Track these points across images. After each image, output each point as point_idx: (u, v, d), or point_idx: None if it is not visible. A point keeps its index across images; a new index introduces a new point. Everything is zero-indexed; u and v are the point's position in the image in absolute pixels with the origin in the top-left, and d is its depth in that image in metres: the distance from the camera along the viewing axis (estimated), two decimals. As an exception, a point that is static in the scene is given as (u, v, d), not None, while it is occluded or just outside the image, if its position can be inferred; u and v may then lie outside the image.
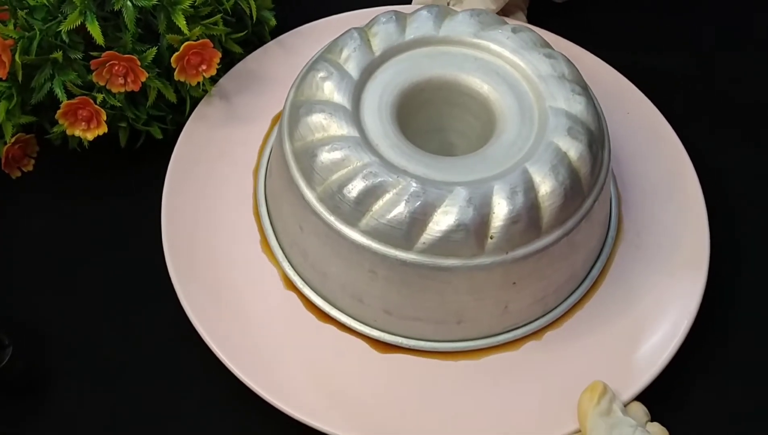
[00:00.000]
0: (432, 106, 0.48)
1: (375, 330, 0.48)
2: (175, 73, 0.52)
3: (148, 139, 0.55)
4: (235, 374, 0.46)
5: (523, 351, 0.49)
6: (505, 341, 0.48)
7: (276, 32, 0.59)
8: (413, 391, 0.47)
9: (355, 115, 0.47)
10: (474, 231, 0.44)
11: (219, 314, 0.48)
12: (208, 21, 0.53)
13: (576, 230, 0.46)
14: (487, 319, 0.48)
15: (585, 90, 0.48)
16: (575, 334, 0.49)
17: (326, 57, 0.49)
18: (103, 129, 0.51)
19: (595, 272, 0.51)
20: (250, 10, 0.56)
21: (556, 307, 0.49)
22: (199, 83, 0.53)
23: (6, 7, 0.50)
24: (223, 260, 0.50)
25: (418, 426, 0.46)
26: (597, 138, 0.47)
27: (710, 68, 0.64)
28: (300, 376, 0.47)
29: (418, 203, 0.44)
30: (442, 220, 0.44)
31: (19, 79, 0.50)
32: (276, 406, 0.46)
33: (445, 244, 0.44)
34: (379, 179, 0.44)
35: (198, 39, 0.52)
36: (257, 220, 0.52)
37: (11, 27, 0.50)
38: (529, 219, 0.44)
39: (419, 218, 0.44)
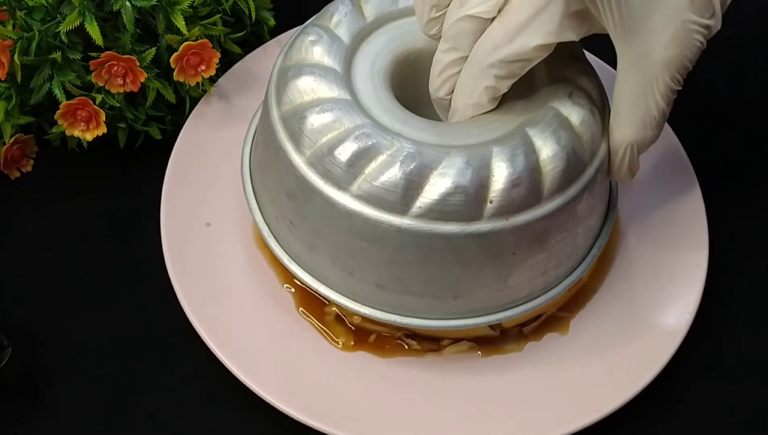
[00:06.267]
0: (426, 76, 0.47)
1: (366, 307, 0.46)
2: (174, 73, 0.52)
3: (147, 139, 0.55)
4: (235, 374, 0.46)
5: (523, 352, 0.49)
6: (505, 319, 0.47)
7: (275, 32, 0.59)
8: (411, 392, 0.47)
9: (346, 79, 0.45)
10: (473, 194, 0.42)
11: (219, 313, 0.48)
12: (207, 21, 0.53)
13: (578, 199, 0.44)
14: (485, 294, 0.45)
15: (583, 56, 0.47)
16: (575, 335, 0.49)
17: (316, 23, 0.48)
18: (102, 129, 0.51)
19: (595, 250, 0.49)
20: (249, 11, 0.56)
21: (557, 285, 0.48)
22: (198, 83, 0.53)
23: (5, 7, 0.50)
24: (223, 259, 0.50)
25: (417, 427, 0.46)
26: (598, 105, 0.46)
27: (708, 66, 0.64)
28: (300, 375, 0.47)
29: (414, 164, 0.42)
30: (439, 182, 0.42)
31: (18, 79, 0.50)
32: (276, 406, 0.45)
33: (442, 207, 0.42)
34: (372, 141, 0.42)
35: (197, 39, 0.52)
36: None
37: (10, 27, 0.50)
38: (530, 182, 0.42)
39: (415, 180, 0.42)
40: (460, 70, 0.44)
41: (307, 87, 0.45)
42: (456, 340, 0.49)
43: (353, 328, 0.49)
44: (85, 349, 0.50)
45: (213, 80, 0.55)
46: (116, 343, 0.50)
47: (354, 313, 0.47)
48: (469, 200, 0.42)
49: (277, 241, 0.48)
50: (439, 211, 0.42)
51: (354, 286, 0.46)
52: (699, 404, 0.50)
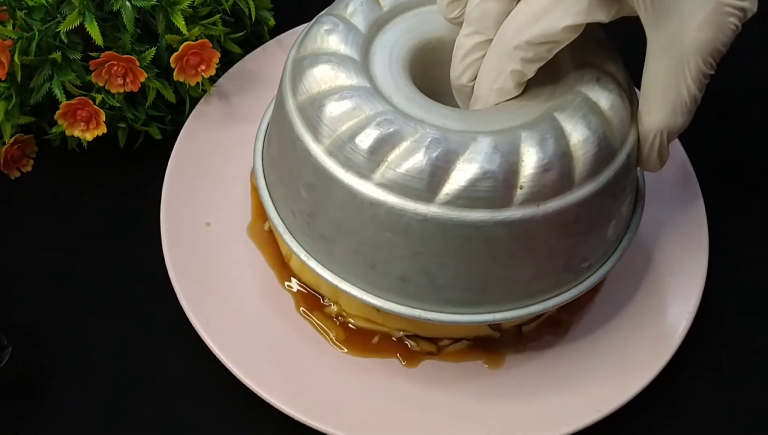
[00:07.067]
0: (445, 65, 0.46)
1: (389, 302, 0.44)
2: (174, 73, 0.52)
3: (147, 139, 0.55)
4: (236, 375, 0.46)
5: (525, 352, 0.49)
6: (535, 313, 0.45)
7: (275, 32, 0.59)
8: (411, 392, 0.47)
9: (364, 67, 0.44)
10: (502, 179, 0.40)
11: (219, 314, 0.48)
12: (207, 21, 0.53)
13: (609, 186, 0.43)
14: (514, 287, 0.44)
15: (608, 43, 0.46)
16: (575, 335, 0.49)
17: (331, 12, 0.46)
18: (102, 129, 0.51)
19: (625, 242, 0.47)
20: (249, 10, 0.56)
21: (587, 278, 0.46)
22: (198, 83, 0.53)
23: (5, 7, 0.50)
24: (223, 259, 0.50)
25: (417, 427, 0.46)
26: (626, 91, 0.44)
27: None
28: (300, 375, 0.47)
29: (440, 150, 0.40)
30: (467, 168, 0.40)
31: (18, 79, 0.50)
32: (276, 406, 0.45)
33: (470, 194, 0.40)
34: (395, 127, 0.41)
35: (197, 39, 0.52)
36: (255, 207, 0.52)
37: (10, 27, 0.50)
38: (561, 168, 0.41)
39: (441, 166, 0.40)
40: (484, 55, 0.42)
41: (325, 75, 0.43)
42: (456, 340, 0.49)
43: (354, 328, 0.49)
44: (85, 349, 0.50)
45: (213, 80, 0.55)
46: (116, 343, 0.50)
47: (376, 308, 0.45)
48: (498, 186, 0.40)
49: (293, 238, 0.46)
50: (467, 197, 0.40)
51: (376, 281, 0.44)
52: (699, 404, 0.50)
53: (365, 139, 0.41)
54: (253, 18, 0.56)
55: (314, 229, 0.44)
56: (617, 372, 0.48)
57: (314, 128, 0.42)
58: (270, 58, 0.57)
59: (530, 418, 0.46)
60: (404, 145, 0.41)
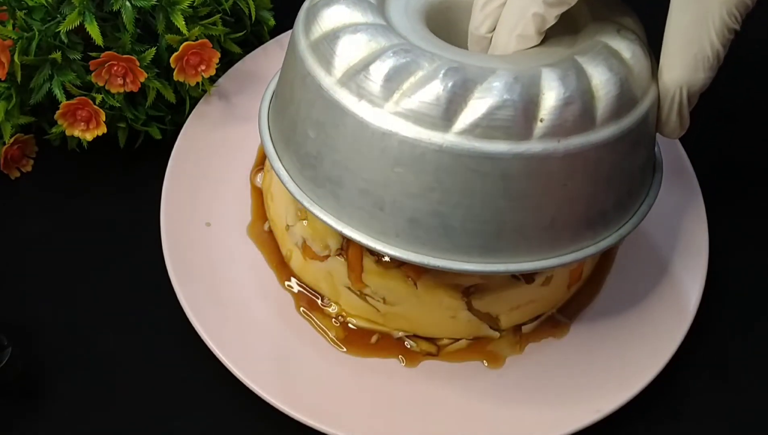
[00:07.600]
0: (459, 26, 0.45)
1: (396, 248, 0.41)
2: (174, 73, 0.52)
3: (147, 139, 0.55)
4: (235, 375, 0.46)
5: (523, 352, 0.49)
6: (549, 267, 0.43)
7: (275, 32, 0.59)
8: (411, 392, 0.47)
9: (380, 9, 0.43)
10: (522, 109, 0.38)
11: (219, 314, 0.48)
12: (207, 21, 0.53)
13: (631, 134, 0.41)
14: (529, 235, 0.41)
15: (623, 3, 0.45)
16: (575, 335, 0.49)
17: None
18: (102, 129, 0.51)
19: (645, 207, 0.45)
20: (249, 11, 0.56)
21: (604, 238, 0.44)
22: (198, 83, 0.53)
23: (5, 7, 0.50)
24: (223, 260, 0.50)
25: (417, 427, 0.46)
26: (645, 44, 0.43)
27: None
28: (300, 375, 0.47)
29: (458, 77, 0.38)
30: (486, 96, 0.38)
31: (18, 79, 0.50)
32: (275, 406, 0.46)
33: (488, 123, 0.38)
34: (412, 56, 0.39)
35: (197, 39, 0.52)
36: (255, 208, 0.52)
37: (10, 27, 0.50)
38: (583, 104, 0.39)
39: (458, 93, 0.38)
40: (504, 4, 0.42)
41: (340, 13, 0.42)
42: (455, 340, 0.49)
43: (353, 328, 0.49)
44: (85, 350, 0.50)
45: (213, 80, 0.55)
46: (116, 344, 0.50)
47: (383, 255, 0.42)
48: (517, 116, 0.38)
49: (297, 186, 0.44)
50: (486, 126, 0.38)
51: (383, 224, 0.41)
52: (699, 404, 0.50)
53: (380, 67, 0.39)
54: (253, 18, 0.56)
55: (320, 171, 0.42)
56: (617, 372, 0.48)
57: (327, 61, 0.41)
58: (270, 58, 0.57)
59: (530, 418, 0.46)
60: (420, 73, 0.39)
